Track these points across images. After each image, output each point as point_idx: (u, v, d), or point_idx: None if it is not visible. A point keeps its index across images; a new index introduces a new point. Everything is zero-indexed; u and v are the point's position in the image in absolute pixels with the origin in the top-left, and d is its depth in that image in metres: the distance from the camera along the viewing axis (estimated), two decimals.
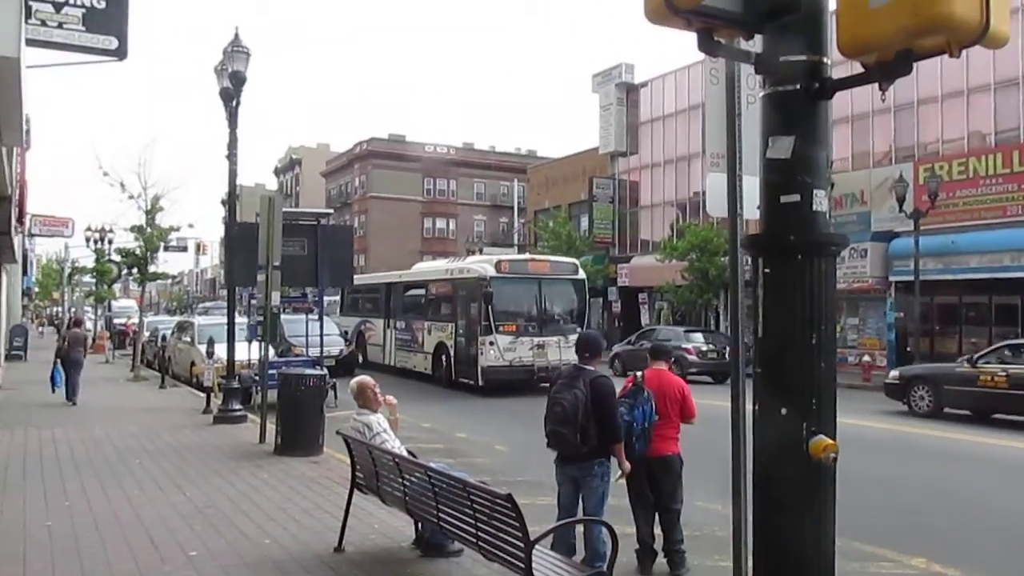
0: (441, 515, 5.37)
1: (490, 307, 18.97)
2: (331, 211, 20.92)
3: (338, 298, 31.85)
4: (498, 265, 19.84)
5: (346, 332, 25.67)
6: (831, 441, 2.96)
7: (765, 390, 3.11)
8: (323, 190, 76.93)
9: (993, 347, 17.28)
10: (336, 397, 14.73)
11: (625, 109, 40.87)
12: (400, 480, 5.90)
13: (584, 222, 42.15)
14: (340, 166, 74.36)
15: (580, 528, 5.96)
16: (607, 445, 5.75)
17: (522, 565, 4.40)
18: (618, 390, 6.01)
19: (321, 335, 15.62)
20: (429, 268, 24.92)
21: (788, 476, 3.02)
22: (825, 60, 3.15)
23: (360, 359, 25.05)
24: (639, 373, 6.34)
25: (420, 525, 6.39)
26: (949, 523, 8.04)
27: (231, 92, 13.60)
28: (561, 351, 18.51)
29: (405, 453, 6.35)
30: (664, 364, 6.67)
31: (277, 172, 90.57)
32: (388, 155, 67.95)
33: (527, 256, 23.32)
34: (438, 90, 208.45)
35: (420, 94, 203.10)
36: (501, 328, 19.12)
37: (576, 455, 5.71)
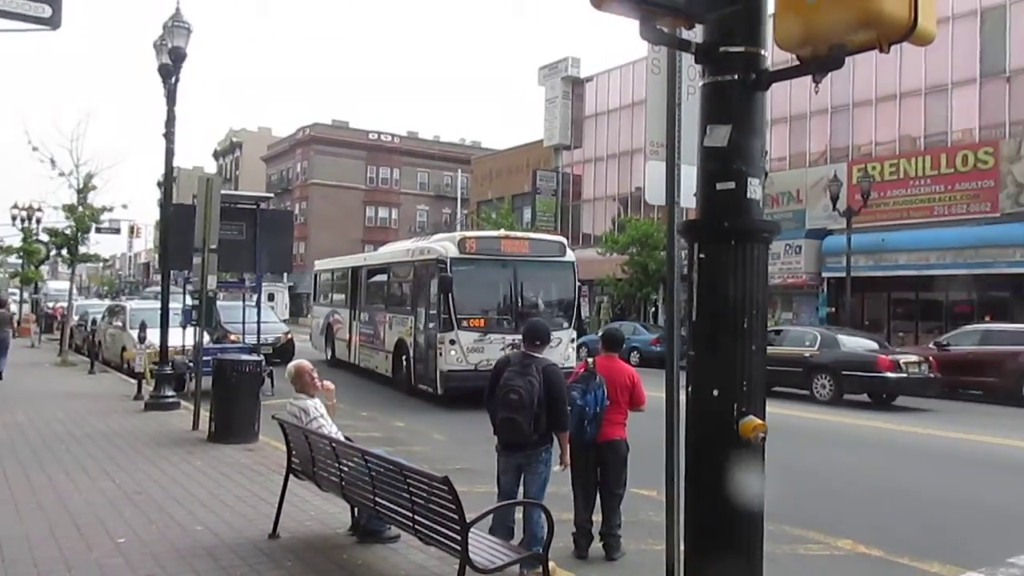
0: (378, 500, 5.35)
1: (450, 296, 14.96)
2: (271, 196, 20.24)
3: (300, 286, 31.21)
4: (462, 243, 15.64)
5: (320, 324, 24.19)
6: (760, 422, 3.05)
7: (698, 372, 3.19)
8: (264, 175, 75.65)
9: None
10: (272, 385, 14.52)
11: (570, 103, 41.12)
12: (337, 465, 5.86)
13: (527, 214, 42.34)
14: (282, 151, 73.22)
15: (519, 513, 6.01)
16: (554, 432, 5.80)
17: (459, 548, 4.42)
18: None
19: (258, 322, 15.38)
20: (393, 250, 20.74)
21: (718, 456, 3.10)
22: (763, 52, 3.22)
23: (330, 355, 23.26)
24: (591, 360, 6.45)
25: (356, 511, 6.36)
26: (873, 507, 8.31)
27: (170, 69, 13.29)
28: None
29: (342, 438, 6.31)
30: (616, 352, 6.75)
31: (216, 155, 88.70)
32: (331, 141, 67.17)
33: (500, 232, 17.97)
34: (383, 77, 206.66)
35: (365, 80, 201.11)
36: (465, 323, 15.07)
37: (526, 443, 5.72)
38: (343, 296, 22.95)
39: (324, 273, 26.28)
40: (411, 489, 4.89)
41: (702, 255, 3.18)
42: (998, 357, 17.86)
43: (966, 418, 15.30)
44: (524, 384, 5.60)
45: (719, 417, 3.09)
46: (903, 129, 27.24)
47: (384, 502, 5.28)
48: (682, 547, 3.52)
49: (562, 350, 15.03)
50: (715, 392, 3.10)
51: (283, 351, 21.87)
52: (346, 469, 5.76)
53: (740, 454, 3.06)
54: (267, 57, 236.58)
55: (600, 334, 7.32)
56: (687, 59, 3.81)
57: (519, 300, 15.78)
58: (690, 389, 3.22)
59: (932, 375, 17.28)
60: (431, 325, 15.70)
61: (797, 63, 3.13)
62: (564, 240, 17.49)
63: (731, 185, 3.13)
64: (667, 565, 3.98)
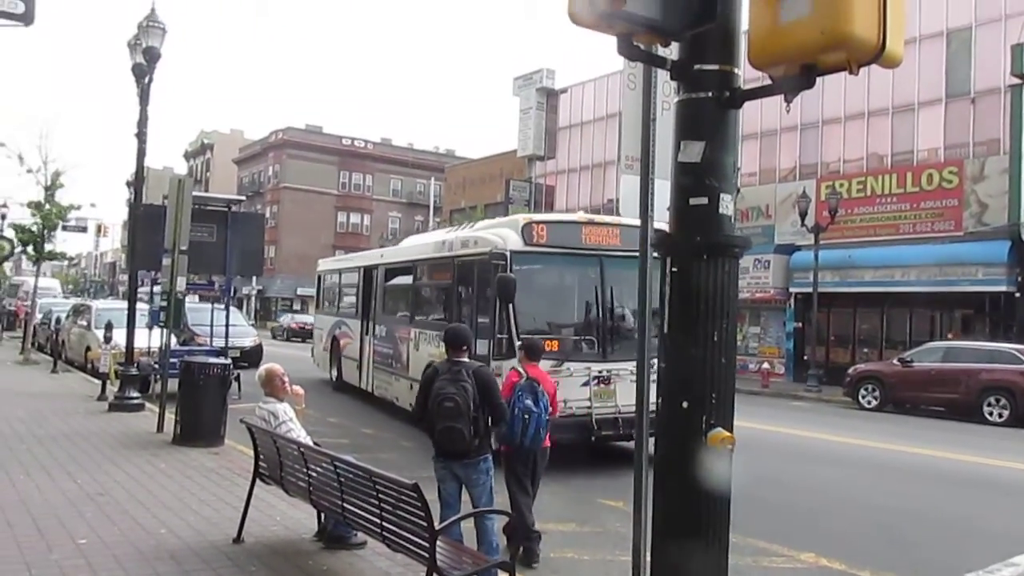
0: (346, 505, 5.34)
1: (511, 307, 10.31)
2: (242, 199, 19.85)
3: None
4: (527, 231, 10.76)
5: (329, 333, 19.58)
6: (728, 433, 3.11)
7: (668, 384, 3.24)
8: (235, 177, 75.04)
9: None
10: (240, 389, 14.39)
11: (544, 114, 41.25)
12: (305, 470, 5.84)
13: None
14: (253, 154, 72.71)
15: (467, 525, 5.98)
16: (495, 428, 5.87)
17: (426, 555, 4.43)
18: None
19: (227, 325, 15.24)
20: (420, 242, 16.13)
21: (687, 466, 3.14)
22: (736, 71, 3.29)
23: (335, 376, 18.75)
24: (520, 368, 6.63)
25: (323, 517, 6.34)
26: (839, 522, 8.43)
27: (144, 68, 13.16)
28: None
29: (311, 443, 6.28)
30: (536, 361, 6.96)
31: (187, 156, 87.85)
32: (304, 145, 66.83)
33: (581, 216, 12.53)
34: (358, 83, 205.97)
35: (339, 86, 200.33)
36: None
37: (467, 450, 5.65)
38: (353, 303, 18.30)
39: (330, 274, 20.96)
40: (380, 495, 4.88)
41: (674, 268, 3.24)
42: (960, 374, 18.22)
43: (931, 434, 15.57)
44: (458, 391, 5.53)
45: (688, 428, 3.14)
46: (871, 147, 27.68)
47: (352, 508, 5.27)
48: (648, 558, 3.57)
49: None
50: (684, 404, 3.15)
51: (251, 355, 21.73)
52: (314, 474, 5.74)
53: (708, 465, 3.11)
54: (240, 59, 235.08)
55: (520, 344, 7.41)
56: (662, 75, 3.87)
57: (607, 314, 10.87)
58: (660, 400, 3.27)
59: None
60: (481, 349, 10.58)
61: (769, 82, 3.21)
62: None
63: (704, 200, 3.20)
64: (632, 572, 4.02)
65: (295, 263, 63.53)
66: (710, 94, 3.23)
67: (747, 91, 3.29)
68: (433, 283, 14.19)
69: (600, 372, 10.41)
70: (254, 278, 51.47)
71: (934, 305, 24.72)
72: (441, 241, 13.56)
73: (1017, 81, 22.72)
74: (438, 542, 4.47)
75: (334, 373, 18.83)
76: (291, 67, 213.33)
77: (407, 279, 15.09)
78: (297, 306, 62.41)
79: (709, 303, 3.14)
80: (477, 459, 5.69)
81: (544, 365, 8.89)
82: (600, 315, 10.90)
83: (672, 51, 3.45)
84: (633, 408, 8.50)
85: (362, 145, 69.48)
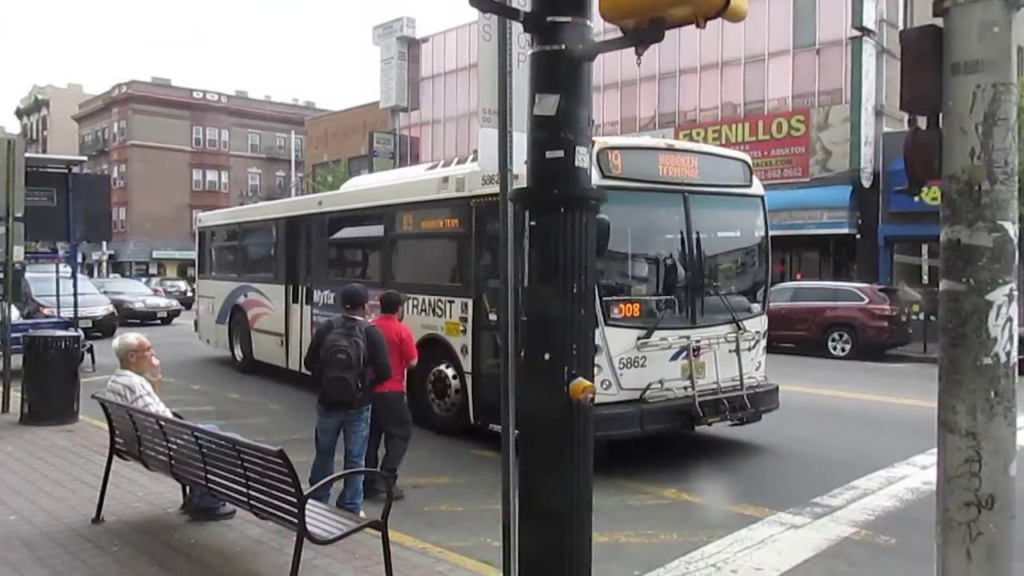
0: (210, 477, 5.17)
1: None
2: (85, 159, 18.43)
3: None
4: (603, 158, 7.96)
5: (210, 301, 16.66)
6: (589, 383, 3.18)
7: (531, 337, 3.27)
8: (76, 136, 70.14)
9: None
10: (94, 361, 13.65)
11: (406, 64, 40.49)
12: (165, 443, 5.60)
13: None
14: (96, 110, 68.03)
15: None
16: (378, 386, 6.36)
17: (295, 521, 4.36)
18: None
19: (75, 294, 14.37)
20: (392, 183, 12.55)
21: (550, 416, 3.20)
22: (588, 23, 3.31)
23: (243, 354, 15.20)
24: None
25: (188, 489, 6.14)
26: (695, 459, 8.80)
27: None
28: (737, 360, 8.66)
29: (170, 415, 6.03)
30: (393, 314, 7.23)
31: (20, 114, 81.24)
32: (151, 100, 63.02)
33: (660, 141, 10.22)
34: (206, 32, 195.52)
35: (186, 34, 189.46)
36: (616, 312, 8.02)
37: (351, 401, 6.12)
38: (269, 265, 14.81)
39: (222, 230, 17.30)
40: (245, 464, 4.75)
41: (533, 222, 3.26)
42: (807, 312, 19.43)
43: (781, 369, 16.48)
44: (350, 345, 6.03)
45: (551, 379, 3.20)
46: (725, 96, 28.70)
47: (217, 479, 5.11)
48: (517, 504, 3.63)
49: (755, 357, 9.10)
50: (546, 356, 3.19)
51: (104, 325, 20.65)
52: (175, 447, 5.52)
53: (571, 414, 3.18)
54: (75, 6, 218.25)
55: (380, 297, 7.51)
56: (517, 27, 3.84)
57: (696, 267, 8.63)
58: (523, 354, 3.31)
59: None
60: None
61: (621, 35, 3.23)
62: (748, 159, 9.96)
63: (560, 154, 3.22)
64: (503, 521, 4.09)
65: (149, 225, 60.46)
66: (563, 46, 3.24)
67: (600, 43, 3.32)
68: (426, 234, 10.85)
69: (688, 340, 8.26)
70: (104, 243, 48.56)
71: (784, 248, 26.13)
72: (442, 178, 10.08)
73: (857, 34, 24.00)
74: (307, 506, 4.40)
75: (239, 351, 15.40)
76: (132, 13, 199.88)
77: (373, 231, 11.77)
78: (153, 270, 59.55)
79: (567, 256, 3.18)
80: (360, 409, 6.25)
81: (628, 337, 7.85)
82: (687, 269, 8.57)
83: (526, 2, 3.43)
84: (735, 383, 8.33)
85: (215, 98, 66.21)
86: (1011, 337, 2.79)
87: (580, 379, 3.17)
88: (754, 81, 27.87)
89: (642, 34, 3.14)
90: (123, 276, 48.36)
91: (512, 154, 4.00)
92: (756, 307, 9.24)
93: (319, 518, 4.63)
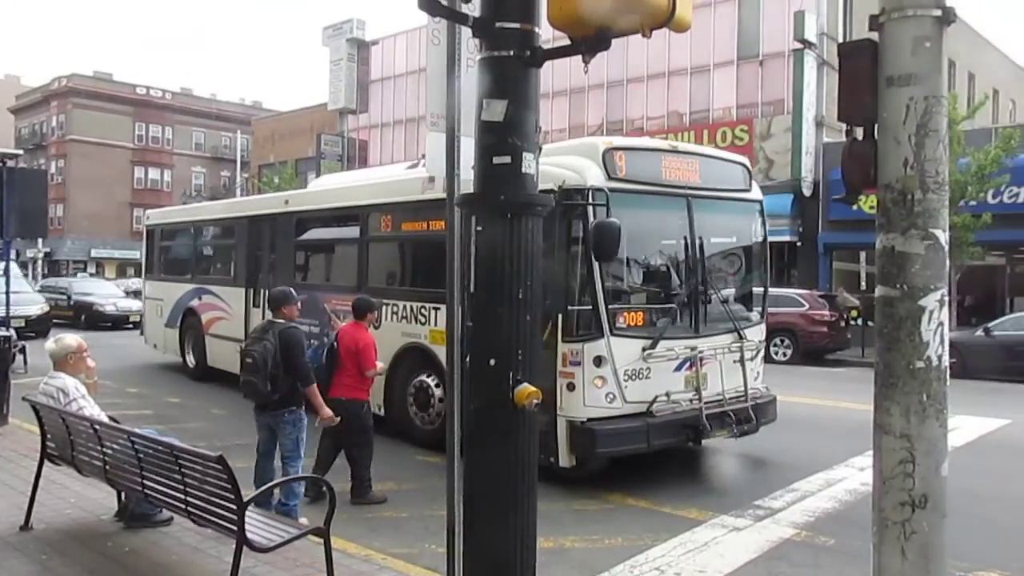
0: (146, 483, 5.05)
1: (598, 268, 7.34)
2: (20, 152, 17.76)
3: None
4: (608, 158, 7.68)
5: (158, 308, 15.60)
6: (534, 389, 3.19)
7: (476, 342, 3.27)
8: (12, 128, 67.99)
9: None
10: (26, 362, 13.24)
11: (356, 66, 40.21)
12: (100, 448, 5.45)
13: (312, 179, 41.06)
14: (33, 102, 66.05)
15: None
16: (301, 390, 6.23)
17: (235, 528, 4.28)
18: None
19: (7, 292, 13.90)
20: (370, 181, 12.06)
21: (495, 421, 3.20)
22: (536, 30, 3.32)
23: (195, 360, 14.30)
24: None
25: (123, 495, 5.98)
26: (641, 463, 8.90)
27: None
28: (742, 370, 8.42)
29: (106, 419, 5.87)
30: (362, 320, 7.28)
31: None
32: (92, 94, 61.38)
33: (663, 142, 9.68)
34: (150, 26, 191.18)
35: (129, 29, 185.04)
36: (621, 320, 7.63)
37: (268, 403, 6.16)
38: (228, 266, 14.07)
39: (172, 230, 16.36)
40: (183, 470, 4.65)
41: (479, 228, 3.26)
42: None
43: None
44: (259, 348, 6.08)
45: (496, 385, 3.20)
46: (671, 105, 29.11)
47: (154, 485, 4.99)
48: (462, 508, 3.63)
49: (756, 367, 8.89)
50: (492, 361, 3.19)
51: (38, 324, 20.05)
52: (110, 452, 5.38)
53: (515, 420, 3.18)
54: None
55: (352, 303, 7.57)
56: (466, 32, 3.84)
57: (699, 274, 8.26)
58: (469, 359, 3.30)
59: None
60: (548, 327, 7.31)
61: (569, 42, 3.26)
62: (747, 161, 9.69)
63: (507, 159, 3.23)
64: (447, 525, 4.07)
65: (87, 223, 58.83)
66: (511, 52, 3.25)
67: (548, 51, 3.34)
68: (408, 237, 10.20)
69: (699, 352, 7.95)
70: (39, 240, 47.14)
71: None
72: (428, 178, 8.97)
73: (799, 46, 24.56)
74: (247, 512, 4.33)
75: (191, 357, 14.47)
76: (75, 4, 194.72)
77: (346, 232, 11.14)
78: (92, 269, 57.97)
79: (513, 262, 3.18)
80: (282, 411, 6.19)
81: (634, 346, 7.53)
82: (691, 276, 8.21)
83: (475, 7, 3.43)
84: (739, 395, 8.12)
85: (159, 95, 64.82)
86: (942, 341, 2.87)
87: (525, 384, 3.18)
88: (699, 91, 28.32)
89: (590, 43, 3.17)
90: (59, 275, 46.99)
91: (459, 159, 4.00)
92: (756, 315, 9.11)
93: (259, 525, 4.55)
